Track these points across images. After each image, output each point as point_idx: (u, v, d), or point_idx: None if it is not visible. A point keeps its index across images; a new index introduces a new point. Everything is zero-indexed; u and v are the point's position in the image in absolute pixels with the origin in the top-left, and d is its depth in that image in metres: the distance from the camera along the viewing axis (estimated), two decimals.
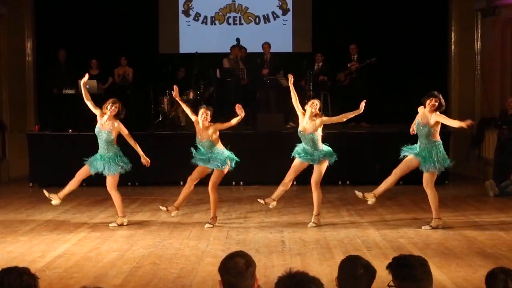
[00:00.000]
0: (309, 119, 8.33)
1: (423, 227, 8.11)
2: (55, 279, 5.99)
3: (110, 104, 8.33)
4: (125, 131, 8.32)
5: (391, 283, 3.36)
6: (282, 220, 8.79)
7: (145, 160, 8.42)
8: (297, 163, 8.45)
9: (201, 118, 8.26)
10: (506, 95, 12.27)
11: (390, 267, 3.40)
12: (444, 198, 10.42)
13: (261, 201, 8.66)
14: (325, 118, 8.46)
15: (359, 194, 8.40)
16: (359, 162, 11.79)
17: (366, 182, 11.57)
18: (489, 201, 10.20)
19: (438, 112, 7.98)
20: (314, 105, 8.36)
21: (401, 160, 8.38)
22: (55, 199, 8.54)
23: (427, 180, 8.18)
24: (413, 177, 11.55)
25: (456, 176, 12.51)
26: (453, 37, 13.86)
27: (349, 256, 3.50)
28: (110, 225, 8.44)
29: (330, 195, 10.69)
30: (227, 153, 8.35)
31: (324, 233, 7.89)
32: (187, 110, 8.68)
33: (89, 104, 8.47)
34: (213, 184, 8.32)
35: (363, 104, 8.38)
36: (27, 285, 3.24)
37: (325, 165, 8.39)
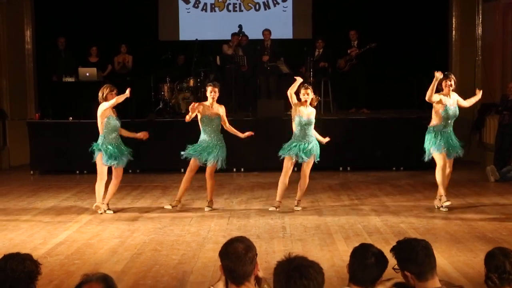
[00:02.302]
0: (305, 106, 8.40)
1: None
2: (57, 265, 6.02)
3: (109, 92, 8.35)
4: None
5: (396, 266, 3.37)
6: (283, 206, 8.78)
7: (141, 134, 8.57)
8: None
9: (210, 95, 8.39)
10: (506, 80, 12.23)
11: (393, 250, 3.41)
12: None
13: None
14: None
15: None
16: (360, 148, 11.79)
17: (367, 168, 11.64)
18: (489, 186, 10.20)
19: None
20: (305, 96, 8.38)
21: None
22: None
23: None
24: (413, 162, 11.60)
25: (457, 162, 12.44)
26: (454, 22, 13.79)
27: (362, 244, 3.49)
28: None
29: (331, 181, 10.71)
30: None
31: (325, 219, 7.90)
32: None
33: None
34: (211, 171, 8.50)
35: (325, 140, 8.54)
36: (30, 271, 3.25)
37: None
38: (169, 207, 8.61)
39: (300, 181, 8.56)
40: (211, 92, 8.42)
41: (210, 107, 8.44)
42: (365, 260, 3.31)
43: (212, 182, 8.54)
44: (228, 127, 8.61)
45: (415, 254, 3.30)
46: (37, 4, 14.10)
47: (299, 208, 8.50)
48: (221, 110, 8.50)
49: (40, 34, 14.12)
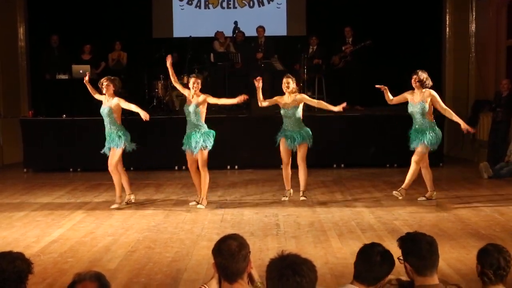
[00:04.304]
0: (288, 96, 8.63)
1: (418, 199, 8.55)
2: (50, 264, 6.00)
3: (102, 84, 8.46)
4: (124, 103, 8.50)
5: (401, 257, 3.39)
6: (277, 203, 8.79)
7: (144, 115, 8.49)
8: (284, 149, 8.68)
9: (192, 87, 8.40)
10: (500, 77, 12.26)
11: (400, 240, 3.44)
12: (439, 180, 10.44)
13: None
14: (305, 96, 8.81)
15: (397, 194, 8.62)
16: (354, 145, 11.80)
17: (361, 165, 11.66)
18: (483, 183, 10.23)
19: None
20: (285, 85, 8.65)
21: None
22: None
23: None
24: (407, 159, 11.62)
25: (451, 158, 12.55)
26: (447, 19, 13.82)
27: (371, 243, 3.51)
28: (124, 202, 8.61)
29: (325, 178, 10.72)
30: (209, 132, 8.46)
31: (318, 216, 7.91)
32: (179, 87, 8.83)
33: (96, 96, 8.69)
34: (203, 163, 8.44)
35: (341, 107, 8.67)
36: (20, 271, 3.22)
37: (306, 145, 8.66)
38: (194, 203, 8.67)
39: (299, 172, 8.72)
40: (194, 84, 8.40)
41: (191, 97, 8.44)
42: (371, 258, 3.32)
43: (203, 174, 8.44)
44: (221, 101, 8.81)
45: (418, 248, 3.33)
46: (30, 2, 14.06)
47: (304, 198, 8.72)
48: (201, 98, 8.42)
49: (33, 31, 14.08)
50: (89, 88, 8.73)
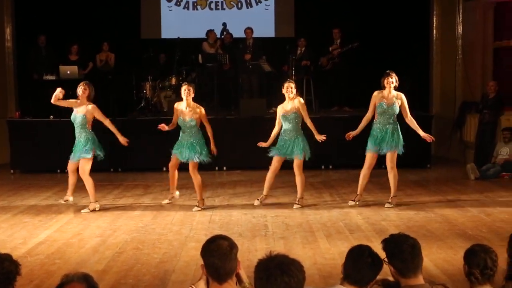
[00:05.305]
0: (289, 101, 8.45)
1: (385, 206, 8.41)
2: (37, 265, 5.97)
3: (79, 87, 8.42)
4: (99, 114, 8.40)
5: (386, 259, 3.41)
6: (265, 204, 8.79)
7: (123, 140, 8.44)
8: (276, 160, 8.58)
9: (184, 95, 8.28)
10: (487, 79, 12.34)
11: (383, 242, 3.46)
12: (426, 181, 10.53)
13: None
14: (303, 105, 8.52)
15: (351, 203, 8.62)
16: (342, 146, 11.80)
17: (349, 166, 11.68)
18: (470, 184, 10.30)
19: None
20: (289, 90, 8.43)
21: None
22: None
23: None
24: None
25: (438, 159, 12.61)
26: (435, 21, 13.89)
27: (359, 245, 3.52)
28: (83, 211, 8.40)
29: (313, 179, 10.74)
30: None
31: (307, 217, 7.93)
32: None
33: (64, 103, 8.58)
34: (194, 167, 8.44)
35: (321, 138, 8.59)
36: (8, 272, 3.21)
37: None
38: (167, 201, 8.76)
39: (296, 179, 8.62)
40: (185, 91, 8.29)
41: (185, 109, 8.32)
42: (361, 259, 3.33)
43: (197, 178, 8.48)
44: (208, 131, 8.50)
45: (399, 251, 3.34)
46: (18, 1, 13.97)
47: (298, 206, 8.53)
48: (197, 113, 8.32)
49: (20, 31, 13.99)
50: (63, 103, 8.58)
